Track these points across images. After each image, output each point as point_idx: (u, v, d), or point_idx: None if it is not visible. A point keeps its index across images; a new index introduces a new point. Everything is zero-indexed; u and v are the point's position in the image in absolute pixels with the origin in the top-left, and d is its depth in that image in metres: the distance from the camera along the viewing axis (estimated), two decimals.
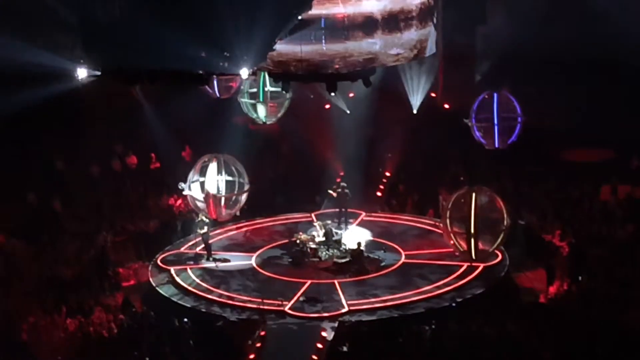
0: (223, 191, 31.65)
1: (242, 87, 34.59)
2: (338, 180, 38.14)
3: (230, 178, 31.78)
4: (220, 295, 30.86)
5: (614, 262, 30.85)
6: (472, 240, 30.17)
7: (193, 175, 31.90)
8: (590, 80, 39.14)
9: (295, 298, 30.25)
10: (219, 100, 36.91)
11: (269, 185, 40.33)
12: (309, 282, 31.35)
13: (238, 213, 32.61)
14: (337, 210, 36.53)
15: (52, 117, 36.74)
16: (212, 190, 31.26)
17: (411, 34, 29.53)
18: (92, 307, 30.39)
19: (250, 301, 30.09)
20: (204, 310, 30.11)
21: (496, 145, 33.56)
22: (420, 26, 29.55)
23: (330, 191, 36.07)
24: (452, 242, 31.00)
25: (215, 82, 35.18)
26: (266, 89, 34.13)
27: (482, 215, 30.13)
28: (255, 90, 34.45)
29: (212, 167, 31.30)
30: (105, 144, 41.18)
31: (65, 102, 34.80)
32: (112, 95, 37.99)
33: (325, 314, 29.30)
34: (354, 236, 34.30)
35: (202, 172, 31.61)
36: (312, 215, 37.01)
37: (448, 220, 30.72)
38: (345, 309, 29.45)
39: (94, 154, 40.62)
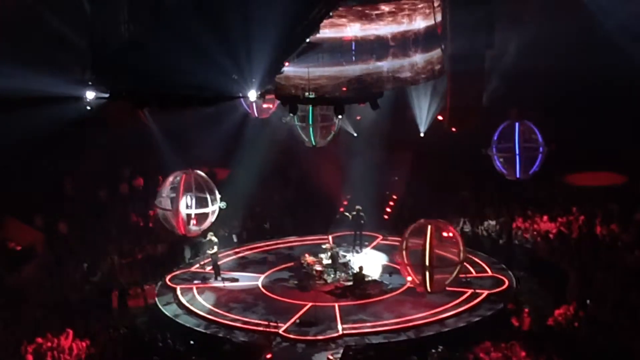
0: (193, 207, 31.74)
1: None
2: (345, 203, 38.03)
3: (200, 194, 31.87)
4: (225, 317, 30.93)
5: (622, 288, 30.71)
6: (427, 273, 30.01)
7: (163, 191, 32.21)
8: (598, 105, 39.13)
9: (291, 321, 30.23)
10: (231, 122, 37.03)
11: (276, 209, 40.37)
12: (309, 304, 31.29)
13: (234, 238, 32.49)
14: (353, 233, 36.49)
15: (60, 140, 36.82)
16: (182, 206, 31.52)
17: (418, 57, 29.57)
18: (99, 330, 30.34)
19: (256, 324, 30.16)
20: (209, 332, 30.09)
21: (517, 176, 33.28)
22: (427, 49, 29.59)
23: (347, 214, 35.96)
24: (407, 275, 30.87)
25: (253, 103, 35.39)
26: (316, 112, 34.08)
27: (439, 248, 30.14)
28: (304, 113, 34.35)
29: (182, 182, 31.64)
30: (113, 167, 41.23)
31: (74, 125, 34.90)
32: (119, 117, 38.03)
33: (320, 337, 29.31)
34: (364, 260, 34.26)
35: (172, 188, 31.91)
36: (329, 237, 36.89)
37: (404, 253, 30.61)
38: (339, 333, 29.42)
39: (101, 177, 40.69)
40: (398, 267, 31.45)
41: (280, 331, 29.52)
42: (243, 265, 36.07)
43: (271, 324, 29.73)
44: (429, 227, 30.03)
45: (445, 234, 30.65)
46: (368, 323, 30.12)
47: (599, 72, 38.02)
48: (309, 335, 29.49)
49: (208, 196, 31.83)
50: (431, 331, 29.56)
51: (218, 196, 32.10)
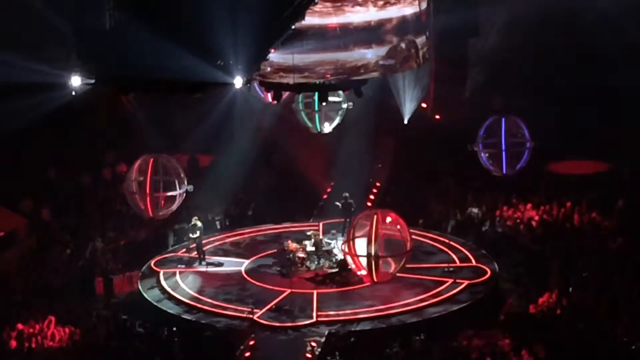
0: (161, 190, 31.94)
1: (296, 96, 34.42)
2: (329, 190, 37.99)
3: (167, 178, 32.04)
4: (206, 303, 30.90)
5: (604, 274, 30.89)
6: (373, 263, 30.06)
7: (132, 175, 32.34)
8: (582, 93, 39.33)
9: (266, 307, 30.27)
10: (214, 109, 36.89)
11: (260, 196, 40.40)
12: (288, 291, 31.27)
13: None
14: (343, 220, 36.42)
15: (44, 126, 36.75)
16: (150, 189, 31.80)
17: (402, 45, 29.59)
18: (81, 315, 30.31)
19: (235, 310, 30.19)
20: (193, 319, 30.12)
21: (504, 172, 33.14)
22: (412, 37, 29.60)
23: (337, 203, 35.87)
24: (354, 264, 30.88)
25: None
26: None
27: (386, 237, 30.22)
28: (310, 99, 34.14)
29: (150, 166, 31.84)
30: (97, 153, 41.17)
31: (58, 111, 34.81)
32: (104, 103, 38.02)
33: (290, 324, 29.35)
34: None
35: (140, 172, 32.03)
36: (320, 224, 36.88)
37: (351, 242, 30.65)
38: (313, 320, 29.47)
39: (85, 162, 40.62)
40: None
41: (255, 317, 29.51)
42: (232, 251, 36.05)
43: (248, 310, 29.76)
44: (375, 217, 30.10)
45: (393, 224, 30.71)
46: (345, 311, 30.04)
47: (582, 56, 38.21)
48: (283, 322, 29.49)
49: (175, 179, 31.99)
50: (412, 319, 29.51)
51: (185, 179, 32.26)
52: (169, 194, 32.01)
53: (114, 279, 33.90)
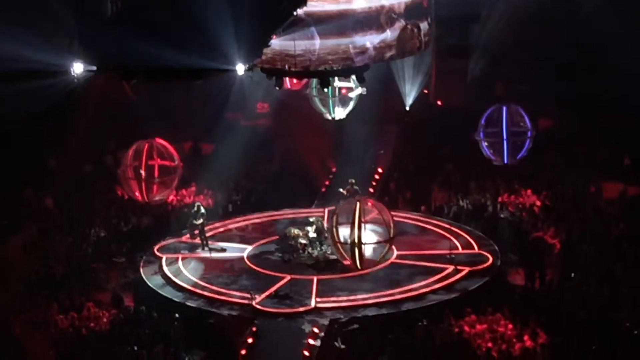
0: (156, 175, 32.16)
1: (310, 81, 34.19)
2: (331, 176, 37.94)
3: (163, 163, 32.26)
4: (209, 290, 30.90)
5: (606, 260, 30.90)
6: (357, 250, 30.24)
7: (127, 160, 32.51)
8: (583, 79, 39.28)
9: (266, 293, 30.29)
10: (214, 96, 36.87)
11: (262, 182, 40.43)
12: (288, 277, 31.29)
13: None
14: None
15: (46, 114, 36.75)
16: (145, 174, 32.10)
17: (409, 27, 29.57)
18: (84, 303, 30.37)
19: (237, 297, 30.17)
20: (195, 305, 30.14)
21: (505, 162, 32.79)
22: (414, 22, 29.57)
23: (342, 190, 35.80)
24: (337, 252, 31.10)
25: None
26: (335, 84, 33.58)
27: (369, 224, 30.52)
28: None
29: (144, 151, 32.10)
30: (98, 141, 41.18)
31: (60, 99, 34.79)
32: (106, 90, 37.98)
33: (288, 310, 29.35)
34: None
35: (135, 157, 32.26)
36: (325, 210, 36.86)
37: (334, 230, 30.77)
38: (312, 307, 29.46)
39: (86, 150, 40.63)
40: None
41: (254, 303, 29.56)
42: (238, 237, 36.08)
43: (247, 296, 29.79)
44: (358, 204, 30.17)
45: (375, 211, 30.87)
46: (344, 297, 30.02)
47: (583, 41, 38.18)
48: (282, 309, 29.48)
49: (170, 165, 32.12)
50: (414, 305, 29.47)
51: (180, 165, 32.58)
52: (163, 179, 32.27)
53: (117, 266, 33.95)
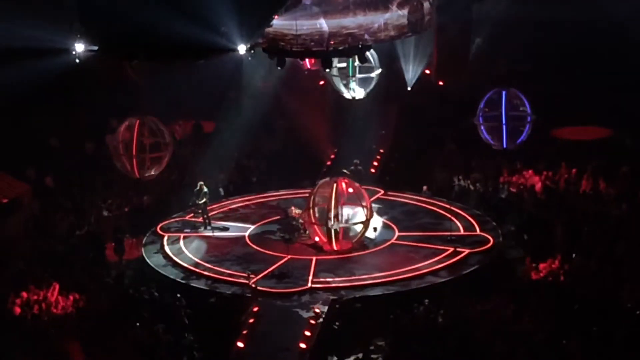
0: (147, 151, 32.15)
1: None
2: (332, 156, 37.83)
3: (154, 139, 32.22)
4: (210, 270, 30.98)
5: (608, 241, 30.86)
6: (333, 232, 30.54)
7: (119, 136, 32.53)
8: (585, 59, 39.13)
9: (264, 273, 30.33)
10: (216, 75, 36.72)
11: (264, 162, 40.38)
12: (287, 257, 31.32)
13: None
14: None
15: (47, 93, 36.70)
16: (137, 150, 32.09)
17: (407, 10, 29.48)
18: (85, 282, 30.36)
19: (237, 276, 30.29)
20: (197, 285, 30.16)
21: (504, 146, 32.63)
22: (418, 1, 29.49)
23: (345, 170, 35.71)
24: (314, 232, 31.29)
25: None
26: (355, 64, 33.62)
27: (346, 206, 30.78)
28: (344, 65, 33.94)
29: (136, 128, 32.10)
30: (100, 119, 41.10)
31: (62, 78, 34.73)
32: (108, 70, 37.89)
33: (284, 290, 29.41)
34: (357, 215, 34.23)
35: (127, 133, 32.28)
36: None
37: (311, 211, 30.88)
38: (308, 286, 29.51)
39: (88, 129, 40.59)
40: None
41: (251, 283, 29.55)
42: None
43: (246, 276, 29.88)
44: (334, 185, 30.28)
45: (353, 192, 31.01)
46: (341, 277, 30.06)
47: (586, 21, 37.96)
48: (279, 288, 29.57)
49: (161, 141, 32.15)
50: (414, 286, 29.53)
51: (172, 141, 32.74)
52: (155, 155, 32.24)
53: (116, 245, 33.96)
